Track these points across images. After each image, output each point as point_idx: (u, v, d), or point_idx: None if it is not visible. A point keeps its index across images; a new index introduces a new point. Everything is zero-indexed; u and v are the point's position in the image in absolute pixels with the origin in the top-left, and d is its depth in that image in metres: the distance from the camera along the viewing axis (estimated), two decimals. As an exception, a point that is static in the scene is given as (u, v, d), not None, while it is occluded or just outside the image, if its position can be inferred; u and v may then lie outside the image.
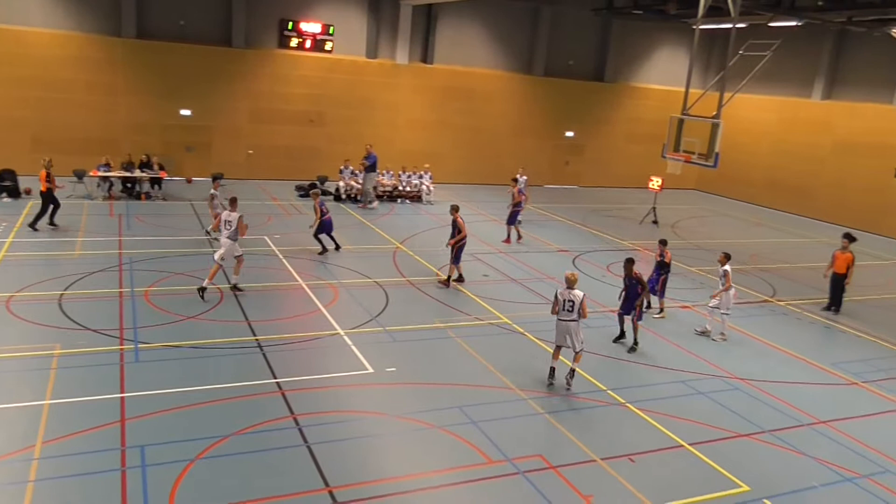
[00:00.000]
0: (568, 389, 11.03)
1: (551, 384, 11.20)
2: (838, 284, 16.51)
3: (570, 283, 11.01)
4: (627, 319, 13.20)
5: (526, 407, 10.47)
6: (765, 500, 8.56)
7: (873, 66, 27.54)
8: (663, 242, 15.19)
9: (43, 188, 17.93)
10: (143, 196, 22.51)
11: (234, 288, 14.42)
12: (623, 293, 13.21)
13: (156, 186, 22.98)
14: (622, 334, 13.35)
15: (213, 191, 18.27)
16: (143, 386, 10.06)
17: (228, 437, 8.91)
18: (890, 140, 26.43)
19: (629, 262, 13.13)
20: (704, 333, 14.21)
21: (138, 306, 13.18)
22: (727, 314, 14.04)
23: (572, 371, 11.12)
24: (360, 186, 24.57)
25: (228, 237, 14.14)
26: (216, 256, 14.20)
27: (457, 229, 16.04)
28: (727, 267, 13.93)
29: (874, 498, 8.89)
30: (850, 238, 16.59)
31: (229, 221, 14.14)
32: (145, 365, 10.83)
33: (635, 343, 13.09)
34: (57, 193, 18.16)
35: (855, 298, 17.34)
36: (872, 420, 11.13)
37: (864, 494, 8.96)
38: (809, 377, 12.66)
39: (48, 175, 17.86)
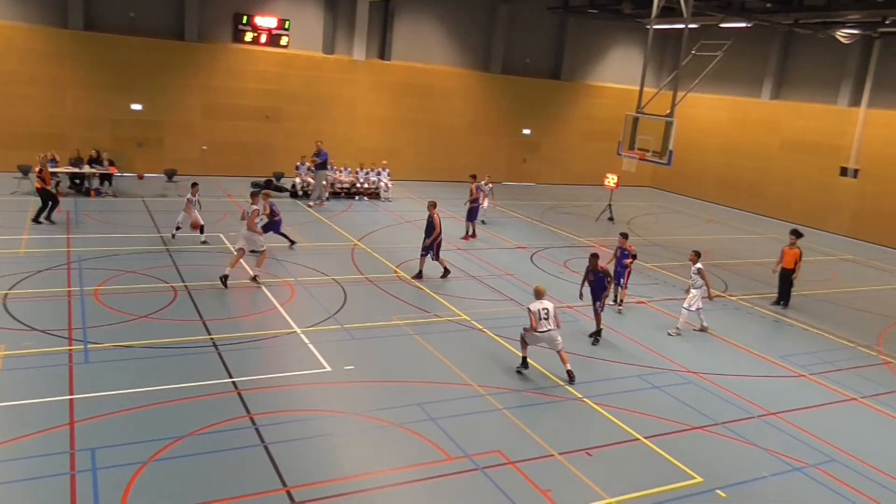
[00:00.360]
0: (573, 382, 11.37)
1: (520, 372, 11.55)
2: (787, 279, 16.97)
3: (540, 295, 11.35)
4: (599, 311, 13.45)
5: (485, 403, 10.51)
6: (717, 491, 8.75)
7: (818, 67, 28.39)
8: (625, 235, 15.40)
9: (37, 185, 17.42)
10: (92, 192, 21.90)
11: (224, 280, 14.35)
12: (584, 286, 13.41)
13: (106, 183, 22.36)
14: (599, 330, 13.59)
15: (190, 196, 17.68)
16: (94, 387, 9.79)
17: (183, 439, 8.73)
18: (834, 140, 27.30)
19: (594, 257, 13.33)
20: (703, 329, 14.53)
21: (88, 306, 12.82)
22: (689, 310, 14.29)
23: (569, 372, 11.43)
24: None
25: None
26: (256, 247, 14.79)
27: (431, 226, 16.00)
28: (700, 265, 14.20)
29: (821, 486, 9.17)
30: (797, 234, 17.06)
31: (248, 213, 14.90)
32: (95, 366, 10.54)
33: (598, 334, 13.36)
34: (53, 189, 17.72)
35: (802, 293, 17.85)
36: (819, 411, 11.48)
37: (811, 483, 9.24)
38: (760, 370, 12.98)
39: (41, 172, 17.35)
